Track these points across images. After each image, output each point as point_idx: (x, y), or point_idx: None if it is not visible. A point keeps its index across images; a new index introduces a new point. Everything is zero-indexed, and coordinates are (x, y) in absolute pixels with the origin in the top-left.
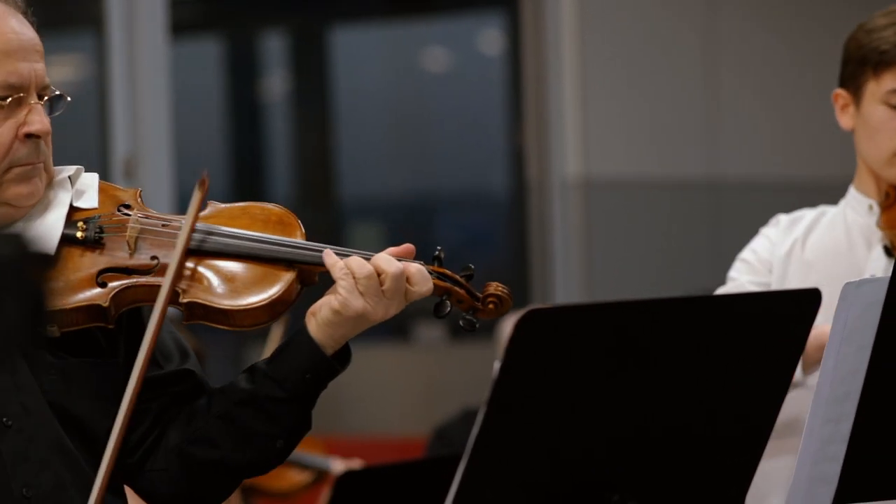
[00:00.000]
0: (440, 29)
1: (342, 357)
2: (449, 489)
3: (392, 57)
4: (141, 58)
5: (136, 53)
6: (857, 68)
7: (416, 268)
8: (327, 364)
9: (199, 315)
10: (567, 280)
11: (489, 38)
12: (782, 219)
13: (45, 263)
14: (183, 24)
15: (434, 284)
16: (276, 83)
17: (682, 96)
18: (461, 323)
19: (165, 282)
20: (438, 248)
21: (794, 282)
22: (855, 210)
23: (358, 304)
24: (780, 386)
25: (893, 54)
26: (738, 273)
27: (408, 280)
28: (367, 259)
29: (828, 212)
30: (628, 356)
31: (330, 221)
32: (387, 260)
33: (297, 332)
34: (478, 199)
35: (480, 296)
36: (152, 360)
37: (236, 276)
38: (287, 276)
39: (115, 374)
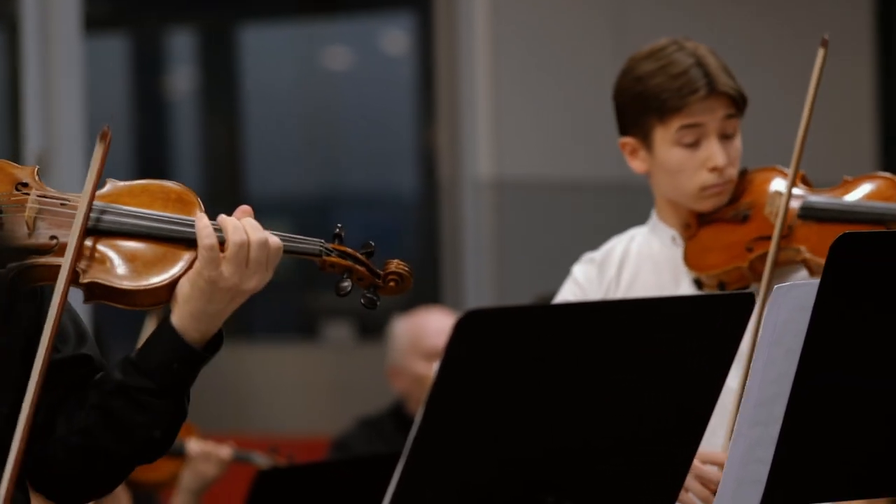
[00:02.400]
0: (346, 28)
1: (213, 343)
2: (369, 489)
3: (299, 55)
4: (55, 54)
5: (50, 49)
6: (638, 117)
7: (275, 242)
8: (190, 352)
9: (99, 295)
10: (478, 280)
11: (393, 38)
12: (595, 258)
13: None
14: (91, 20)
15: (335, 262)
16: (184, 80)
17: (594, 98)
18: (362, 301)
19: (65, 261)
20: (339, 225)
21: None
22: (660, 240)
23: (213, 270)
24: (713, 388)
25: (676, 101)
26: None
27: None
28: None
29: (636, 237)
30: (566, 358)
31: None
32: (253, 226)
33: (163, 320)
34: (385, 198)
35: (381, 273)
36: None
37: (136, 255)
38: (187, 255)
39: (9, 356)
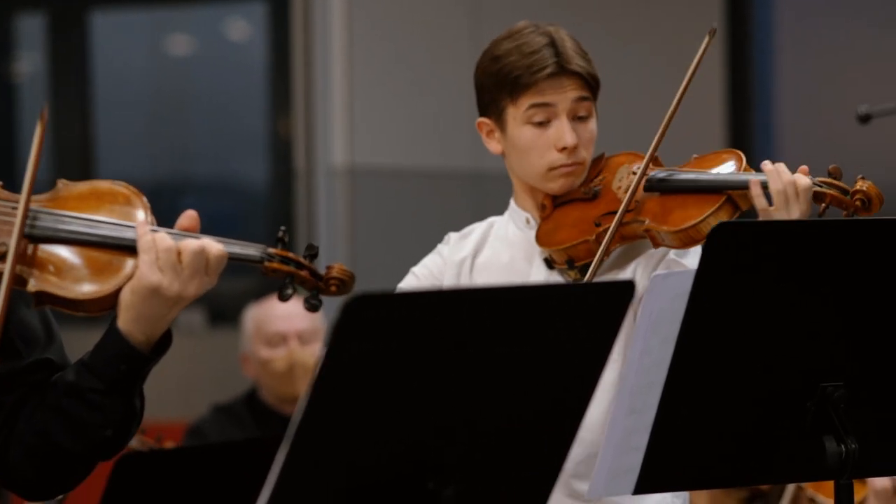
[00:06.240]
0: (194, 14)
1: (161, 343)
2: (235, 474)
3: (148, 41)
4: None
5: None
6: (493, 95)
7: (217, 250)
8: (136, 354)
9: (48, 301)
10: None
11: (241, 25)
12: (452, 236)
13: None
14: None
15: (277, 268)
16: (32, 64)
17: (449, 88)
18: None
19: (7, 267)
20: (283, 228)
21: None
22: (515, 223)
23: (154, 277)
24: (593, 374)
25: (526, 77)
26: (404, 285)
27: (207, 260)
28: (173, 236)
29: (496, 223)
30: (451, 344)
31: None
32: (189, 237)
33: (111, 322)
34: (235, 185)
35: (323, 276)
36: (14, 349)
37: (82, 263)
38: (131, 262)
39: None
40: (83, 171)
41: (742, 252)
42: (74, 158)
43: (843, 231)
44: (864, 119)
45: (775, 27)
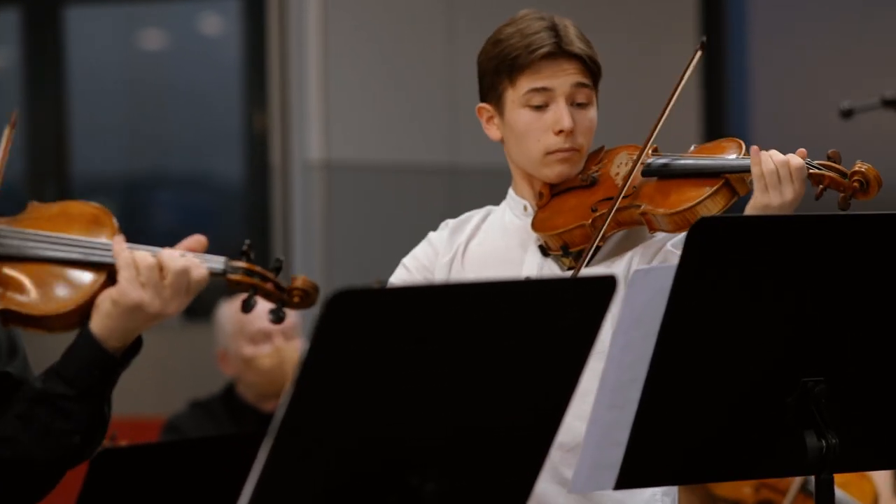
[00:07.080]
0: (167, 9)
1: (131, 349)
2: (213, 470)
3: (123, 36)
4: None
5: None
6: (493, 79)
7: (199, 273)
8: (109, 359)
9: (13, 320)
10: (307, 262)
11: (215, 20)
12: (450, 223)
13: None
14: None
15: (241, 280)
16: (7, 59)
17: (425, 82)
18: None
19: None
20: (247, 242)
21: None
22: (512, 211)
23: (135, 294)
24: (574, 370)
25: (524, 58)
26: (395, 279)
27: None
28: (154, 254)
29: (493, 211)
30: (433, 339)
31: (63, 198)
32: (171, 256)
33: (83, 328)
34: (205, 179)
35: (287, 288)
36: None
37: (48, 280)
38: (96, 279)
39: None
40: (58, 166)
41: (723, 247)
42: (49, 153)
43: (823, 226)
44: (847, 114)
45: (749, 21)
